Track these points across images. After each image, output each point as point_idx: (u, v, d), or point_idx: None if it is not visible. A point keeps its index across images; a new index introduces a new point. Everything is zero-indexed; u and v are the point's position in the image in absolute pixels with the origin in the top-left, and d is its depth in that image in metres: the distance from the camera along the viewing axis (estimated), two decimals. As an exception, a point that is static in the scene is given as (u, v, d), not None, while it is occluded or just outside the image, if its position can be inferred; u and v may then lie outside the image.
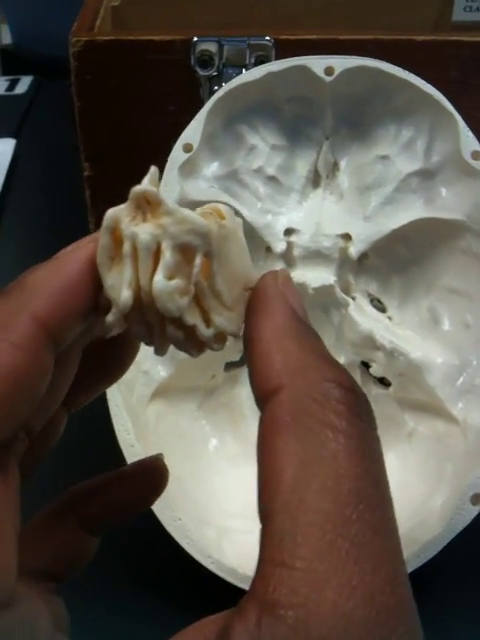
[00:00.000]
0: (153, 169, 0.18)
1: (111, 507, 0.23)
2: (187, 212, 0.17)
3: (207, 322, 0.18)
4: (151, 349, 0.35)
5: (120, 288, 0.17)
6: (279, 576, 0.15)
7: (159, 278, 0.17)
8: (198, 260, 0.17)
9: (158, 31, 0.43)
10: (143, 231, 0.17)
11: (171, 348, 0.20)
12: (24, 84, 0.80)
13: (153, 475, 0.24)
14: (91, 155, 0.46)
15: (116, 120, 0.46)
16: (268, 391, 0.17)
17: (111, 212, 0.18)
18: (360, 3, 0.61)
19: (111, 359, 0.22)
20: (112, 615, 0.32)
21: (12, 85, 0.80)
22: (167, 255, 0.17)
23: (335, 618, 0.14)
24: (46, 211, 0.63)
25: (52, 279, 0.18)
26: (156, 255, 0.17)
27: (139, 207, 0.18)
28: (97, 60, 0.43)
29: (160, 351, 0.19)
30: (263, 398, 0.18)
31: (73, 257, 0.18)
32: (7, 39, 1.26)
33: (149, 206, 0.17)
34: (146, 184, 0.18)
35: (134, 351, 0.22)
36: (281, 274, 0.19)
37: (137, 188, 0.17)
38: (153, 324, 0.18)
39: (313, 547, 0.15)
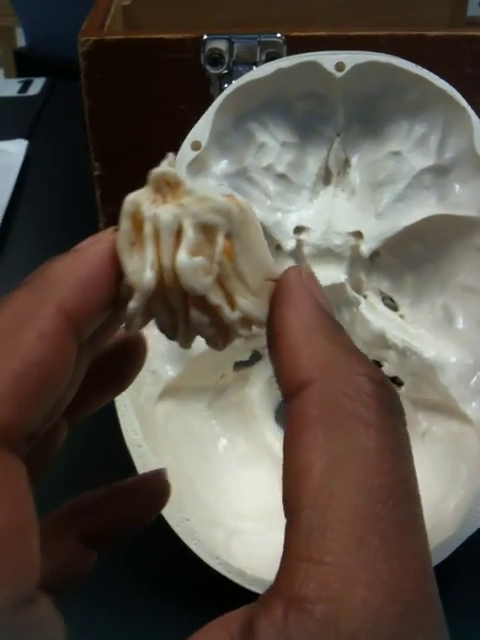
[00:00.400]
0: (170, 155, 0.18)
1: (111, 522, 0.22)
2: (208, 191, 0.17)
3: (232, 305, 0.18)
4: (159, 348, 0.34)
5: (142, 271, 0.17)
6: (306, 571, 0.15)
7: (182, 255, 0.17)
8: (220, 239, 0.17)
9: (168, 30, 0.43)
10: (164, 211, 0.17)
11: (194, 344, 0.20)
12: (37, 86, 0.80)
13: (154, 490, 0.23)
14: (101, 154, 0.46)
15: (126, 119, 0.46)
16: (296, 386, 0.17)
17: (131, 197, 0.18)
18: (373, 1, 0.61)
19: (115, 372, 0.22)
20: (117, 616, 0.32)
21: (25, 87, 0.80)
22: (189, 233, 0.17)
23: (364, 613, 0.14)
24: (58, 210, 0.63)
25: (75, 271, 0.18)
26: (178, 235, 0.17)
27: (159, 190, 0.18)
28: (106, 59, 0.43)
29: (185, 342, 0.19)
30: (291, 393, 0.17)
31: (94, 249, 0.18)
32: (21, 42, 1.27)
33: (169, 187, 0.18)
34: (165, 166, 0.18)
35: (139, 364, 0.22)
36: (305, 269, 0.19)
37: (156, 170, 0.17)
38: (177, 309, 0.18)
39: (342, 542, 0.15)
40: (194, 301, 0.18)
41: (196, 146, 0.34)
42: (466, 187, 0.36)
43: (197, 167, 0.35)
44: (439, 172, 0.36)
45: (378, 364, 0.38)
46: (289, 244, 0.36)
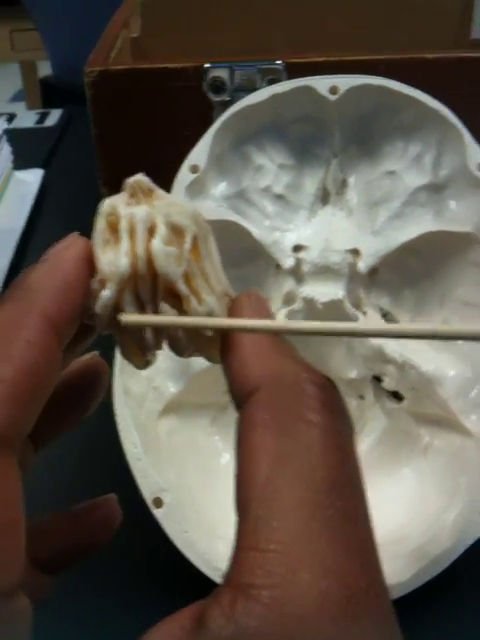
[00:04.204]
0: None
1: (63, 547, 0.23)
2: (177, 197, 0.19)
3: (199, 300, 0.19)
4: (160, 365, 0.35)
5: (117, 260, 0.19)
6: (253, 560, 0.15)
7: (157, 241, 0.19)
8: (188, 238, 0.19)
9: (170, 58, 0.45)
10: (140, 209, 0.19)
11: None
12: (54, 117, 0.83)
13: (106, 516, 0.24)
14: (109, 180, 0.47)
15: (133, 146, 0.47)
16: (246, 393, 0.18)
17: (108, 200, 0.20)
18: (376, 25, 0.62)
19: (78, 398, 0.23)
20: (115, 625, 0.33)
21: (42, 118, 0.83)
22: (162, 228, 0.19)
23: (310, 596, 0.15)
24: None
25: (52, 278, 0.19)
26: (151, 232, 0.19)
27: (133, 195, 0.19)
28: (112, 89, 0.45)
29: (152, 343, 0.20)
30: (241, 400, 0.18)
31: (66, 256, 0.19)
32: (47, 71, 1.31)
33: (142, 193, 0.19)
34: (138, 175, 0.20)
35: (101, 389, 0.23)
36: (253, 294, 0.21)
37: (130, 178, 0.19)
38: (146, 302, 0.19)
39: (287, 531, 0.15)
40: (164, 292, 0.19)
41: (194, 169, 0.36)
42: (461, 203, 0.36)
43: (196, 189, 0.36)
44: (434, 189, 0.37)
45: (378, 379, 0.38)
46: (288, 262, 0.37)
